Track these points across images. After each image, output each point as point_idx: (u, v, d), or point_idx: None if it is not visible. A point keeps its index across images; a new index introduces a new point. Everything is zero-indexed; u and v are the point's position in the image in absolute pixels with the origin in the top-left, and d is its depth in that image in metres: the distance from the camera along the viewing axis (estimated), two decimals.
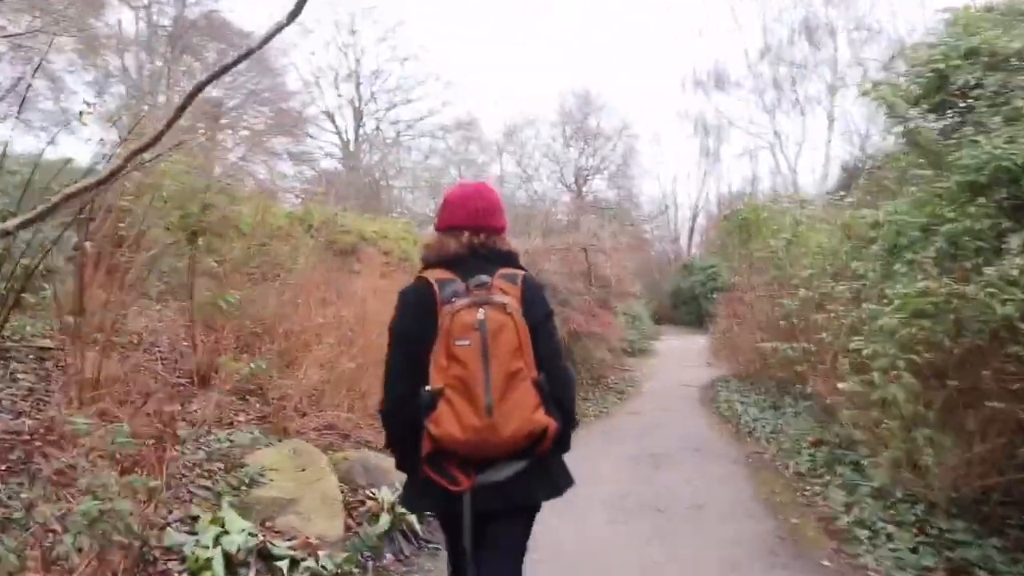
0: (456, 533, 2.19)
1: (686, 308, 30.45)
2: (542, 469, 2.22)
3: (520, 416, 2.08)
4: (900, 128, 6.91)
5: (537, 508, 2.33)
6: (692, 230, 40.06)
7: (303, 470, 4.93)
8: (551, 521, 2.66)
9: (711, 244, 33.57)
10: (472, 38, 50.53)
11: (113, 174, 3.20)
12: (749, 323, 10.15)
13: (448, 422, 2.05)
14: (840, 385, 4.89)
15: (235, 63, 3.38)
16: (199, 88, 3.12)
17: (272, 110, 31.82)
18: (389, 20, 35.64)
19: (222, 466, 4.78)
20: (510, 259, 2.33)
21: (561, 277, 10.82)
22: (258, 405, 6.14)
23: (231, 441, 5.19)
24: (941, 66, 5.61)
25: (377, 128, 37.00)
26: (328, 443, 5.74)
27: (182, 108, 3.09)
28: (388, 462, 5.66)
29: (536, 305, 2.22)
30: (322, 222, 15.95)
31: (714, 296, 24.41)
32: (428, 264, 2.31)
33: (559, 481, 2.32)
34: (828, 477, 5.96)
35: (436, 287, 2.17)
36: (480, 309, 2.09)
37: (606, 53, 51.32)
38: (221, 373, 6.62)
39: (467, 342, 2.07)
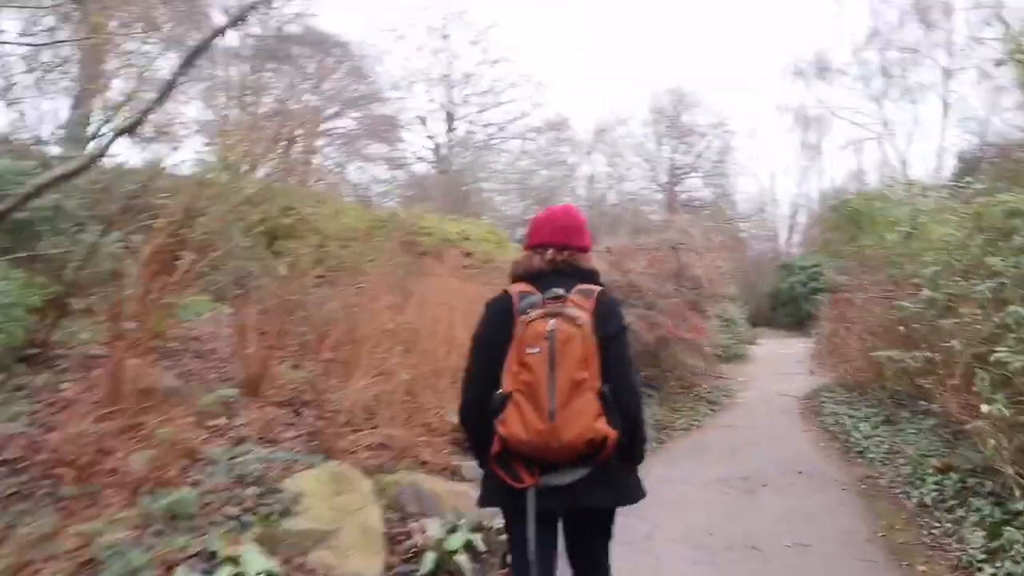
0: (520, 531, 2.32)
1: (785, 310, 28.91)
2: (606, 477, 2.30)
3: (581, 423, 2.20)
4: None
5: (608, 513, 2.47)
6: (791, 228, 38.18)
7: (342, 495, 4.39)
8: (621, 561, 2.57)
9: (812, 242, 31.95)
10: (563, 37, 49.89)
11: (84, 166, 2.77)
12: (858, 327, 9.11)
13: (515, 423, 2.22)
14: (983, 408, 3.99)
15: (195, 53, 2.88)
16: (173, 80, 2.67)
17: (367, 116, 32.29)
18: (480, 23, 35.08)
19: (256, 490, 4.28)
20: (589, 276, 2.48)
21: (648, 278, 10.03)
22: (311, 419, 5.67)
23: (270, 461, 4.71)
24: None
25: (469, 131, 37.16)
26: (379, 464, 5.18)
27: (162, 96, 2.65)
28: (443, 487, 5.08)
29: (608, 320, 2.35)
30: (404, 224, 15.82)
31: (816, 297, 23.13)
32: (514, 278, 2.51)
33: (628, 491, 2.43)
34: (961, 512, 5.00)
35: (516, 299, 2.37)
36: (551, 320, 2.26)
37: (700, 46, 49.60)
38: (277, 381, 6.21)
39: (537, 350, 2.23)
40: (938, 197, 6.98)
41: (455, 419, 6.15)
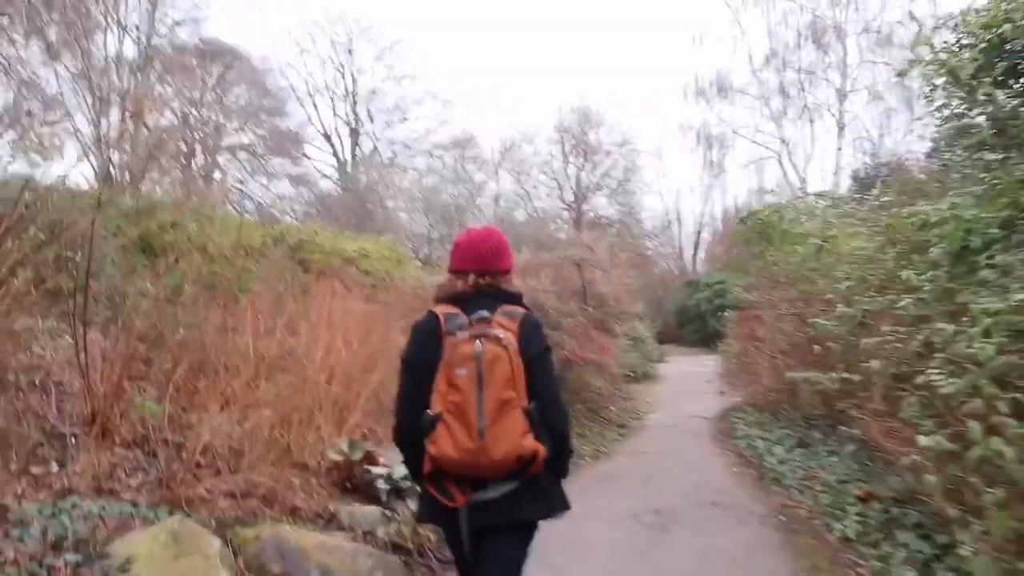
0: (459, 547, 2.47)
1: (692, 327, 29.14)
2: (535, 490, 2.40)
3: (510, 440, 2.29)
4: (959, 105, 5.71)
5: (532, 526, 2.52)
6: (696, 246, 38.76)
7: (182, 559, 3.61)
8: None
9: (717, 259, 32.41)
10: (469, 56, 49.63)
11: None
12: (769, 345, 8.81)
13: (445, 443, 2.30)
14: (921, 440, 3.56)
15: None
16: None
17: (269, 131, 31.26)
18: (386, 39, 34.54)
19: (74, 558, 3.46)
20: (512, 298, 2.55)
21: (551, 296, 9.48)
22: (165, 461, 4.84)
23: (104, 516, 3.90)
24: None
25: (374, 148, 36.50)
26: (241, 514, 4.40)
27: None
28: (313, 540, 4.30)
29: (532, 341, 2.43)
30: (299, 241, 14.98)
31: (723, 314, 23.24)
32: (439, 300, 2.57)
33: (553, 503, 2.51)
34: (887, 547, 4.61)
35: (443, 320, 2.43)
36: (477, 341, 2.33)
37: (604, 67, 50.30)
38: (131, 417, 5.34)
39: (465, 371, 2.31)
40: (844, 210, 6.69)
41: (335, 456, 5.45)
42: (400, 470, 5.74)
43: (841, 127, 26.81)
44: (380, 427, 7.20)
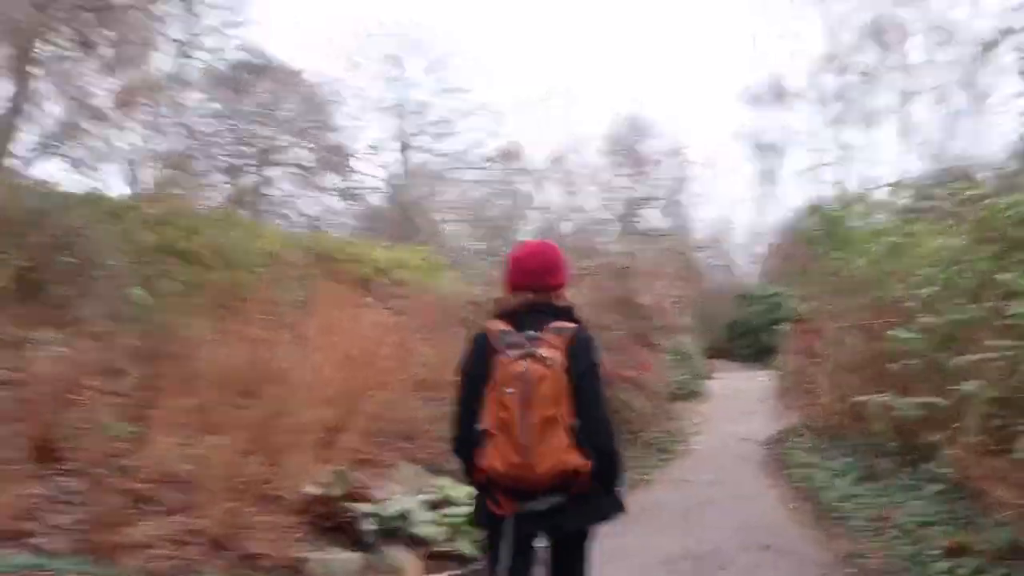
0: (496, 553, 2.46)
1: (743, 341, 27.85)
2: (582, 502, 2.42)
3: (553, 457, 2.32)
4: None
5: (584, 536, 2.56)
6: (749, 258, 37.25)
7: None
8: None
9: (770, 272, 31.06)
10: (520, 64, 48.99)
11: None
12: (831, 362, 7.80)
13: (492, 458, 2.36)
14: None
15: None
16: None
17: (320, 146, 31.08)
18: (437, 51, 34.06)
19: None
20: (564, 313, 2.57)
21: (588, 309, 8.60)
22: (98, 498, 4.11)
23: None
24: None
25: (424, 162, 36.06)
26: (177, 566, 3.63)
27: None
28: None
29: (580, 358, 2.44)
30: (328, 250, 14.37)
31: (776, 328, 21.98)
32: (495, 315, 2.63)
33: (602, 510, 2.53)
34: None
35: (495, 337, 2.48)
36: (524, 361, 2.36)
37: (656, 73, 49.08)
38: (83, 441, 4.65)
39: (511, 390, 2.34)
40: (925, 204, 5.70)
41: (313, 490, 4.69)
42: (394, 506, 4.95)
43: (904, 131, 25.34)
44: (387, 453, 6.44)
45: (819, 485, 6.70)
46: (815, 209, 5.36)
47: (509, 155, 36.82)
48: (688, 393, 14.31)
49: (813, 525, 5.95)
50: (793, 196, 52.46)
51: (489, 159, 36.43)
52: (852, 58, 27.27)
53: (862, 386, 6.84)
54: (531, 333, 2.43)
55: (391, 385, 6.75)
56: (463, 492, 5.95)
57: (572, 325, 2.50)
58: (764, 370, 21.08)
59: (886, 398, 4.67)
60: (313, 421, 5.38)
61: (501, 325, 2.51)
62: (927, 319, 4.66)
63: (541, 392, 2.33)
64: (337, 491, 4.67)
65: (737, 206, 55.59)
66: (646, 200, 37.98)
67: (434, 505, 5.60)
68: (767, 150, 33.37)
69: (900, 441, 5.71)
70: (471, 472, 2.50)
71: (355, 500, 4.68)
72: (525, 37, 47.44)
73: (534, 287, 2.59)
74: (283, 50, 32.76)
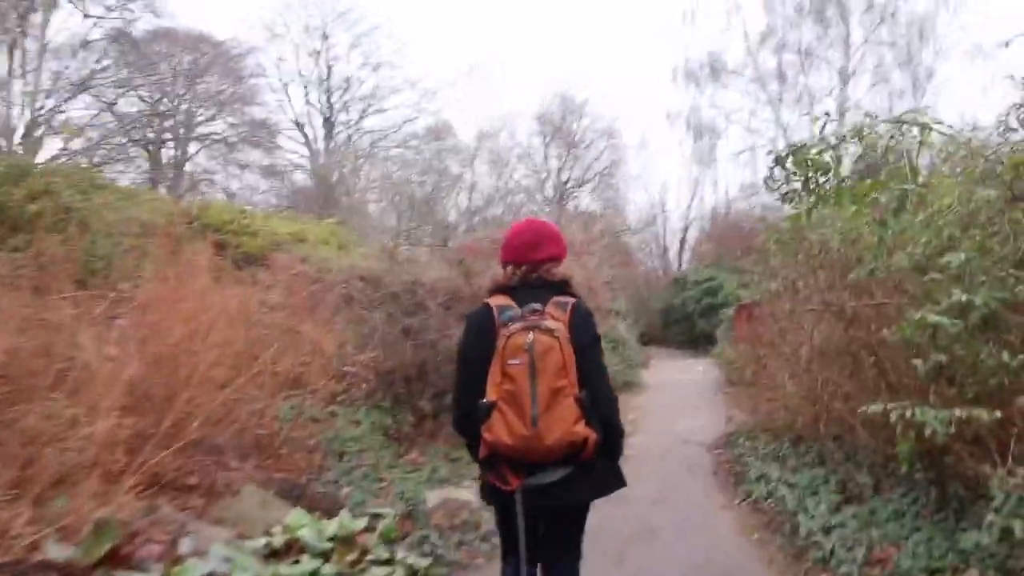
0: (509, 527, 2.56)
1: (678, 327, 26.90)
2: (587, 474, 2.49)
3: (562, 427, 2.38)
4: None
5: (586, 507, 2.69)
6: (683, 242, 36.39)
7: None
8: None
9: (705, 256, 30.12)
10: (449, 41, 47.14)
11: None
12: (792, 352, 6.46)
13: (499, 430, 2.40)
14: None
15: None
16: None
17: (242, 122, 29.32)
18: (363, 25, 32.18)
19: None
20: (560, 287, 2.65)
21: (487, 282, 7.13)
22: None
23: None
24: None
25: (349, 138, 34.34)
26: None
27: None
28: None
29: (582, 330, 2.54)
30: (220, 222, 12.97)
31: (717, 312, 20.89)
32: (492, 292, 2.69)
33: (606, 483, 2.66)
34: None
35: (496, 312, 2.54)
36: (530, 333, 2.43)
37: (589, 51, 47.97)
38: None
39: (518, 361, 2.40)
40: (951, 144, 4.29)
41: (57, 555, 3.05)
42: (198, 569, 3.36)
43: (843, 112, 24.56)
44: (228, 473, 4.85)
45: (787, 507, 5.31)
46: (796, 151, 3.94)
47: (437, 133, 35.36)
48: (622, 384, 12.95)
49: (785, 562, 4.58)
50: (728, 179, 52.31)
51: (416, 137, 35.01)
52: (790, 36, 26.49)
53: (837, 382, 5.52)
54: (534, 306, 2.50)
55: (246, 381, 5.16)
56: (328, 530, 4.41)
57: (571, 299, 2.59)
58: (702, 358, 20.08)
59: (905, 408, 3.26)
60: (104, 434, 3.77)
61: (501, 300, 2.58)
62: (962, 296, 3.26)
63: (548, 362, 2.39)
64: (97, 552, 3.05)
65: (671, 189, 55.14)
66: (578, 181, 36.85)
67: (274, 553, 4.04)
68: (703, 131, 32.46)
69: (924, 464, 4.33)
70: (476, 448, 2.54)
71: (122, 564, 3.07)
72: (454, 11, 45.62)
73: (525, 262, 2.65)
74: (201, 18, 30.40)
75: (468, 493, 5.50)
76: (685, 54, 38.90)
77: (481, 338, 2.51)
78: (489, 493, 2.63)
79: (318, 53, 32.47)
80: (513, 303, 2.53)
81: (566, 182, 36.80)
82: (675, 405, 11.18)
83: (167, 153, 28.38)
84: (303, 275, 7.31)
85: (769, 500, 5.62)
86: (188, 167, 29.00)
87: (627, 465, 6.76)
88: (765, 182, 4.45)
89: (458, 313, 6.89)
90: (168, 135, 27.86)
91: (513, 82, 52.42)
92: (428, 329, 6.49)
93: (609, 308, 11.59)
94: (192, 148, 29.17)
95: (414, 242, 23.37)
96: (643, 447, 8.07)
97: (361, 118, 34.46)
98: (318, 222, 15.57)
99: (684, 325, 26.02)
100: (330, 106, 33.91)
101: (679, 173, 48.28)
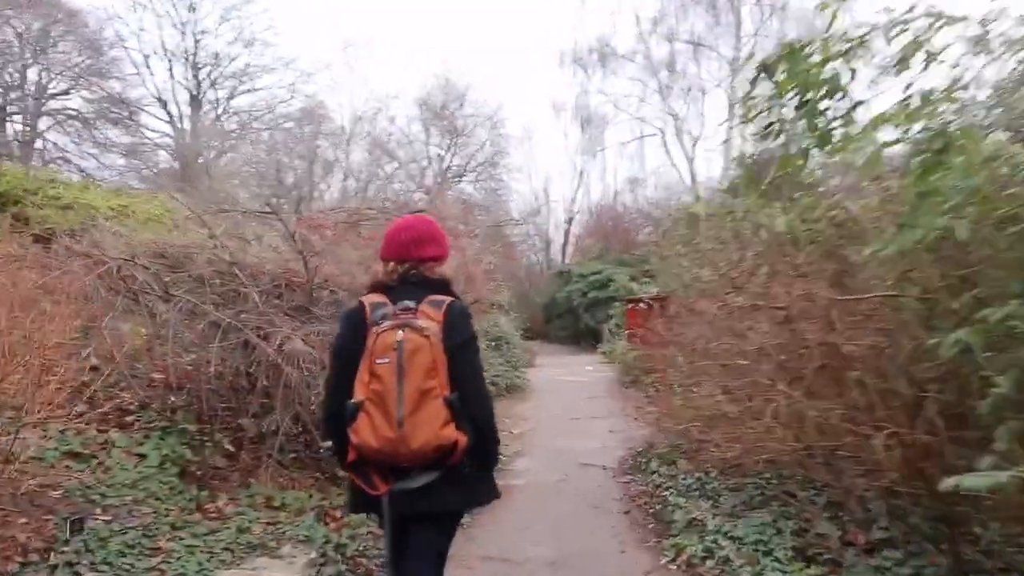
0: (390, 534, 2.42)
1: (561, 322, 25.77)
2: (456, 480, 2.37)
3: (428, 430, 2.26)
4: None
5: (456, 515, 2.62)
6: (567, 235, 35.35)
7: None
8: None
9: (589, 250, 29.12)
10: (325, 21, 44.37)
11: None
12: (728, 359, 5.04)
13: (365, 432, 2.28)
14: None
15: None
16: None
17: (97, 96, 26.27)
18: None
19: None
20: (438, 286, 2.53)
21: (355, 270, 5.37)
22: None
23: None
24: None
25: (217, 117, 31.53)
26: None
27: None
28: None
29: (456, 331, 2.40)
30: (20, 191, 11.06)
31: (606, 307, 19.71)
32: (370, 289, 2.58)
33: (478, 493, 2.56)
34: None
35: (368, 309, 2.43)
36: (399, 331, 2.32)
37: (472, 35, 46.28)
38: None
39: (387, 360, 2.29)
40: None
41: None
42: None
43: (733, 103, 23.98)
44: None
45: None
46: (793, 53, 2.48)
47: (311, 115, 33.05)
48: (505, 388, 11.40)
49: None
50: (614, 171, 51.81)
51: (288, 117, 32.63)
52: (682, 23, 25.76)
53: (795, 397, 4.12)
54: (406, 303, 2.40)
55: None
56: None
57: (448, 298, 2.47)
58: (587, 355, 18.86)
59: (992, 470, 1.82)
60: None
61: (375, 298, 2.48)
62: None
63: (417, 362, 2.28)
64: None
65: (556, 181, 54.24)
66: (460, 170, 35.24)
67: None
68: (591, 119, 31.49)
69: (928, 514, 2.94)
70: (343, 451, 2.41)
71: None
72: None
73: (405, 259, 2.55)
74: None
75: (285, 571, 3.76)
76: (574, 37, 37.88)
77: (352, 335, 2.42)
78: (356, 501, 2.53)
79: (184, 24, 29.55)
80: (388, 301, 2.44)
81: (447, 170, 35.07)
82: (568, 414, 9.62)
83: (13, 128, 25.08)
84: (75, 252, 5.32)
85: (708, 561, 4.14)
86: (38, 144, 25.73)
87: (515, 503, 5.16)
88: (743, 105, 2.93)
89: (289, 306, 5.11)
90: (13, 108, 24.72)
91: (393, 64, 50.18)
92: (245, 326, 4.68)
93: (491, 301, 9.96)
94: (43, 124, 26.25)
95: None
96: (534, 474, 6.50)
97: (231, 97, 32.03)
98: (152, 199, 13.33)
99: (568, 319, 24.95)
100: (197, 82, 31.09)
101: (564, 164, 47.28)
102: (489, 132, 34.94)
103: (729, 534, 4.32)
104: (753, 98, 2.87)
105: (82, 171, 25.04)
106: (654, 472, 6.06)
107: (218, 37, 30.49)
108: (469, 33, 47.86)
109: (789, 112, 2.80)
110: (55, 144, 25.94)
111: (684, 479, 5.54)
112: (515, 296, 21.67)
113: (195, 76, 30.84)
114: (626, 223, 28.79)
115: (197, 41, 30.04)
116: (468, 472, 2.40)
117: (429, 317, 2.36)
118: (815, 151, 2.84)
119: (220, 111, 32.22)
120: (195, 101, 31.22)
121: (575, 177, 34.77)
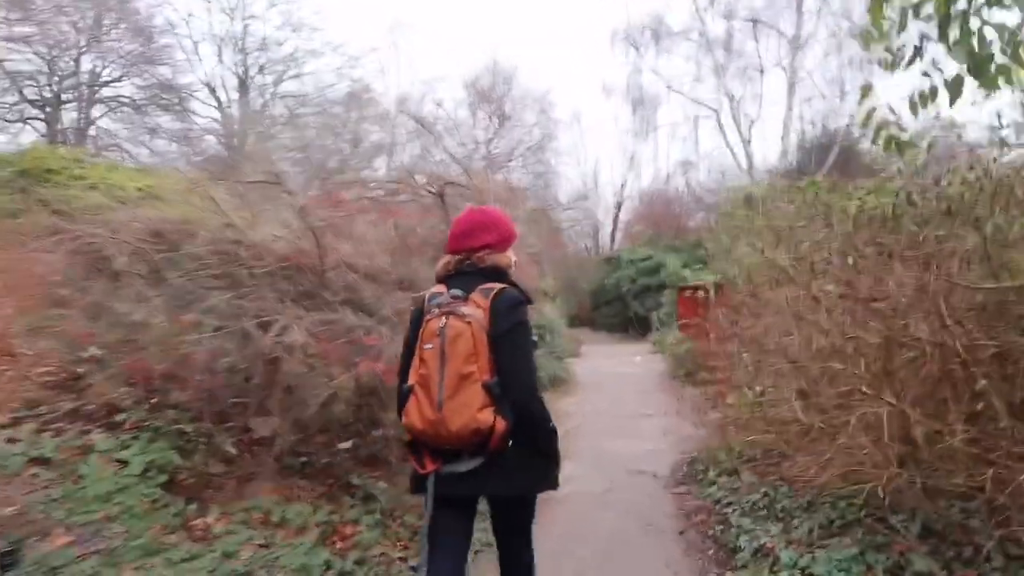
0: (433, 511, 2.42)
1: (609, 309, 24.97)
2: (502, 466, 2.39)
3: (466, 414, 2.31)
4: None
5: (518, 503, 2.63)
6: (616, 220, 34.44)
7: None
8: None
9: (638, 236, 28.21)
10: (372, 4, 43.93)
11: None
12: (802, 356, 4.27)
13: (413, 414, 2.40)
14: None
15: None
16: None
17: (148, 82, 26.48)
18: None
19: None
20: (493, 273, 2.60)
21: (375, 251, 4.73)
22: None
23: None
24: None
25: (265, 104, 31.41)
26: None
27: None
28: None
29: (501, 317, 2.44)
30: (44, 170, 10.82)
31: (665, 293, 18.81)
32: (436, 281, 2.67)
33: (530, 481, 2.54)
34: None
35: (427, 299, 2.55)
36: (444, 318, 2.42)
37: (520, 17, 45.38)
38: None
39: (431, 346, 2.40)
40: None
41: None
42: None
43: (792, 84, 22.77)
44: None
45: None
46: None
47: (357, 98, 32.72)
48: (549, 381, 10.70)
49: None
50: (665, 155, 50.48)
51: (335, 102, 32.35)
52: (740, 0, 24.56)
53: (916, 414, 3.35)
54: (456, 292, 2.49)
55: None
56: None
57: (499, 285, 2.52)
58: (636, 343, 18.05)
59: None
60: None
61: (436, 289, 2.59)
62: None
63: (457, 348, 2.35)
64: None
65: (605, 165, 53.12)
66: (507, 154, 34.55)
67: None
68: (642, 100, 30.47)
69: None
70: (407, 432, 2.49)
71: None
72: None
73: (459, 251, 2.65)
74: None
75: None
76: (626, 14, 36.72)
77: (414, 325, 2.53)
78: (413, 479, 2.56)
79: (232, 10, 29.46)
80: (445, 291, 2.52)
81: (495, 155, 34.40)
82: (615, 412, 8.89)
83: (68, 116, 25.06)
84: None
85: None
86: (92, 131, 25.94)
87: (555, 516, 4.48)
88: (870, 15, 2.17)
89: (299, 291, 4.49)
90: (69, 96, 24.82)
91: (439, 48, 49.56)
92: (243, 312, 4.06)
93: (536, 288, 9.28)
94: (96, 111, 26.27)
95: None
96: (578, 482, 5.80)
97: (279, 82, 31.85)
98: (178, 177, 13.04)
99: (616, 307, 24.15)
100: (245, 67, 31.06)
101: (614, 148, 46.00)
102: (537, 115, 34.20)
103: (808, 570, 3.58)
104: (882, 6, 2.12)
105: (132, 157, 25.26)
106: (712, 483, 5.32)
107: (266, 22, 30.40)
108: (517, 14, 46.93)
109: (930, 30, 2.05)
110: (107, 131, 26.11)
111: (747, 494, 4.79)
112: (562, 283, 20.97)
113: (243, 61, 30.77)
114: (677, 208, 27.82)
115: (246, 26, 29.92)
116: (517, 459, 2.41)
117: (477, 305, 2.44)
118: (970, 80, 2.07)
119: (268, 96, 32.09)
120: (243, 87, 31.17)
121: (625, 161, 33.85)
